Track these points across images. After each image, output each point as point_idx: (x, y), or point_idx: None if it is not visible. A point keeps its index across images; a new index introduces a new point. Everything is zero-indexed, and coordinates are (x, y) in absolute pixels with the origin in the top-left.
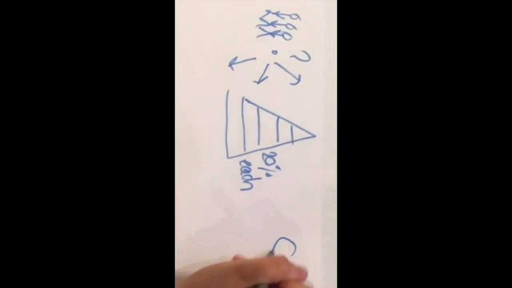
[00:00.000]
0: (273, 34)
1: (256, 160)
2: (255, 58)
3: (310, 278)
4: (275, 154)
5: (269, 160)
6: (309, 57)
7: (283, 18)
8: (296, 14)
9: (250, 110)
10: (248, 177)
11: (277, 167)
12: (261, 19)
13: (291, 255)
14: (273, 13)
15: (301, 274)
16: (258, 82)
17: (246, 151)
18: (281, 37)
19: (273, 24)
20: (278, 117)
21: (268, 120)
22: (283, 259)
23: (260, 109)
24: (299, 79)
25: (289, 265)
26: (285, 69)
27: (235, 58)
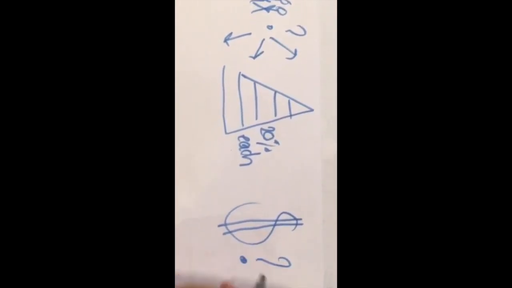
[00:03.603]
0: (267, 9)
1: (254, 135)
2: (250, 34)
3: (312, 253)
4: (274, 129)
5: (268, 135)
6: (305, 31)
7: None
8: None
9: (246, 85)
10: (247, 153)
11: (276, 142)
12: None
13: (293, 230)
14: None
15: None
16: (254, 57)
17: (244, 127)
18: (276, 12)
19: None
20: (275, 91)
21: (265, 95)
22: None
23: (257, 84)
24: (295, 54)
25: None
26: (281, 44)
27: (230, 33)
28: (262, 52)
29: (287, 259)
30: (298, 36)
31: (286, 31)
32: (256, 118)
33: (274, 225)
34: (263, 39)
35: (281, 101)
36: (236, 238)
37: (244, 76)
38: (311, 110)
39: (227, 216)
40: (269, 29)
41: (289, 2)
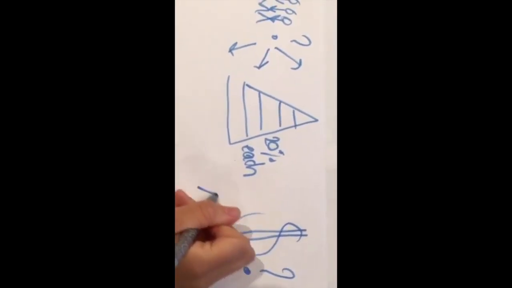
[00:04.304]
0: (272, 19)
1: (258, 145)
2: (255, 43)
3: (316, 265)
4: (278, 139)
5: (272, 145)
6: (310, 41)
7: (282, 3)
8: None
9: (251, 95)
10: (251, 163)
11: (280, 152)
12: (260, 4)
13: (297, 241)
14: None
15: (232, 215)
16: (259, 67)
17: (249, 137)
18: (281, 22)
19: (272, 9)
20: (280, 101)
21: (270, 105)
22: (208, 203)
23: (261, 94)
24: (300, 64)
25: (215, 208)
26: (285, 54)
27: (235, 43)
28: (267, 62)
29: (291, 271)
30: (302, 46)
31: (291, 41)
32: (261, 128)
33: (279, 236)
34: (268, 49)
35: (286, 111)
36: None
37: (249, 86)
38: (316, 120)
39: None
40: (274, 39)
41: (294, 12)
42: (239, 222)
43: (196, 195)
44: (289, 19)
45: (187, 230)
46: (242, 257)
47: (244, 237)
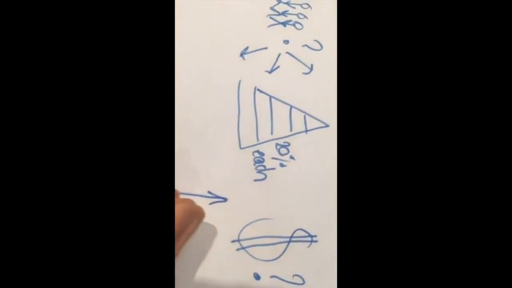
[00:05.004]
0: (284, 23)
1: (269, 150)
2: (266, 48)
3: (326, 271)
4: (289, 144)
5: (283, 150)
6: (321, 46)
7: (293, 7)
8: (307, 4)
9: (262, 100)
10: (262, 168)
11: (291, 157)
12: (271, 8)
13: (308, 247)
14: (284, 3)
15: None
16: (270, 72)
17: (259, 142)
18: (292, 27)
19: (284, 13)
20: (291, 106)
21: (281, 110)
22: None
23: (272, 99)
24: (311, 68)
25: None
26: (297, 59)
27: (247, 48)
28: (278, 66)
29: (301, 277)
30: (314, 51)
31: (303, 45)
32: (272, 133)
33: (289, 241)
34: (279, 54)
35: (297, 116)
36: (250, 255)
37: (260, 91)
38: (327, 125)
39: (240, 231)
40: (286, 43)
41: (305, 17)
42: (249, 227)
43: (206, 200)
44: (300, 24)
45: None
46: (193, 218)
47: (185, 199)
